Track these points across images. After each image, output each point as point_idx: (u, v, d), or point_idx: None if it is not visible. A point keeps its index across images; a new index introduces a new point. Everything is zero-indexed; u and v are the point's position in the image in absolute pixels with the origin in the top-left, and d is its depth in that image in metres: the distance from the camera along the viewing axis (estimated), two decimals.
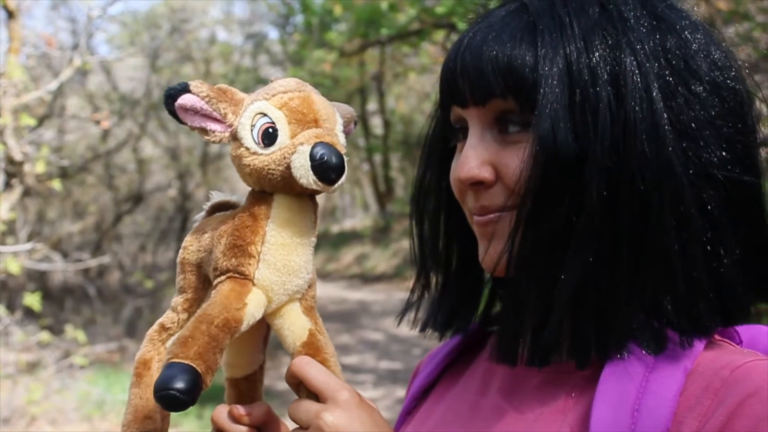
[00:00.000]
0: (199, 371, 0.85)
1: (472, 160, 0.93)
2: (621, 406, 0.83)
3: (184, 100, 0.93)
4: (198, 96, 0.93)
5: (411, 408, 1.13)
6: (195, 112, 0.94)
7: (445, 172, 1.02)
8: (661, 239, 0.85)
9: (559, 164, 0.86)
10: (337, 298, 14.64)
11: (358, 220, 25.54)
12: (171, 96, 0.94)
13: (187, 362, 0.85)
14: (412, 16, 10.04)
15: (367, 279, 17.59)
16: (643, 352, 0.86)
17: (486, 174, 0.93)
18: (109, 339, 10.01)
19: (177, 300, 1.02)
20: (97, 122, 9.71)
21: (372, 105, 21.56)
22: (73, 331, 7.15)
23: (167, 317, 1.02)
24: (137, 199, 13.99)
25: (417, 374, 1.19)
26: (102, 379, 8.24)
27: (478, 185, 0.93)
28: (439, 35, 10.79)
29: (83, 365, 7.40)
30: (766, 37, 5.80)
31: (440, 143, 1.06)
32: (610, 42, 0.88)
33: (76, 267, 8.73)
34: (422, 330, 1.10)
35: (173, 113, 0.94)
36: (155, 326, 1.02)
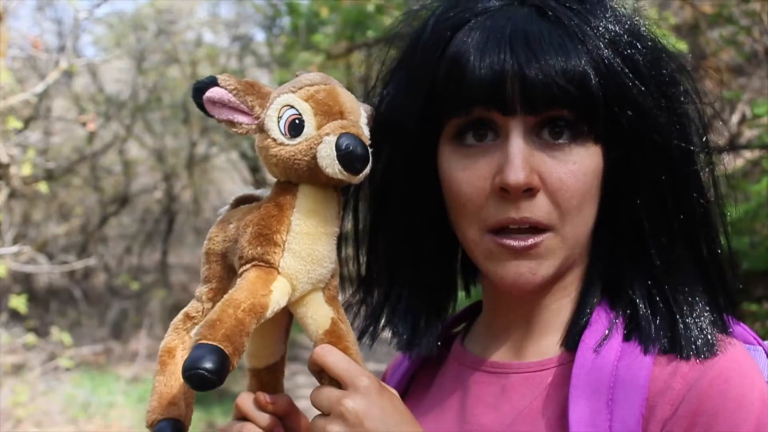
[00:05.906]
0: (227, 353, 0.87)
1: (525, 165, 0.90)
2: (597, 398, 0.85)
3: (213, 93, 0.96)
4: (226, 89, 0.96)
5: None
6: (223, 104, 0.96)
7: (417, 165, 1.01)
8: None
9: (657, 160, 0.93)
10: None
11: None
12: (199, 89, 0.96)
13: (215, 343, 0.87)
14: (398, 19, 10.06)
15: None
16: (615, 338, 0.91)
17: (535, 181, 0.90)
18: (94, 341, 9.96)
19: (202, 290, 1.03)
20: (83, 124, 9.65)
21: None
22: (59, 333, 7.13)
23: (192, 307, 1.04)
24: (123, 201, 13.90)
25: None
26: (87, 381, 8.21)
27: (526, 192, 0.90)
28: None
29: (69, 367, 7.38)
30: (750, 41, 5.84)
31: (416, 134, 1.01)
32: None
33: (61, 269, 8.69)
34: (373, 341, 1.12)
35: (201, 106, 0.96)
36: (180, 315, 1.04)
